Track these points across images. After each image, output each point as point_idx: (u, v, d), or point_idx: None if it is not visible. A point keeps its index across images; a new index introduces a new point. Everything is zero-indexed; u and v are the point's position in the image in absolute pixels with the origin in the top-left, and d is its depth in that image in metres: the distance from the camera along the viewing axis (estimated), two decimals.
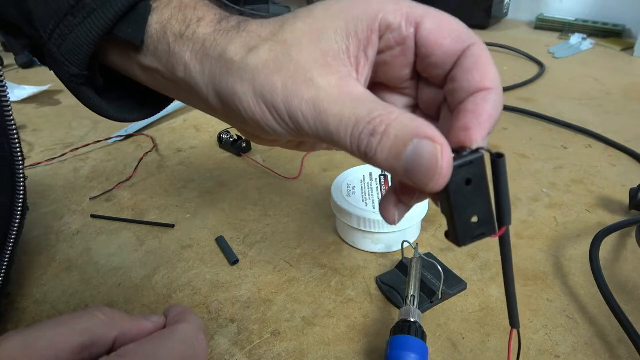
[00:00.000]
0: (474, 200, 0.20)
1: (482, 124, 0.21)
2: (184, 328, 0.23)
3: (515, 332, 0.25)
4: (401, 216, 0.25)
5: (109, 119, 0.31)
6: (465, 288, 0.39)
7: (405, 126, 0.19)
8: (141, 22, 0.25)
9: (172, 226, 0.47)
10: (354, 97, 0.21)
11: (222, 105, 0.24)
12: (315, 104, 0.21)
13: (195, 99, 0.26)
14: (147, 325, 0.24)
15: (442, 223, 0.47)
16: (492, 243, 0.44)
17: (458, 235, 0.21)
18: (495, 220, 0.21)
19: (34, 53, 0.31)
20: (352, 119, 0.20)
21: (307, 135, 0.22)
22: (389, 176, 0.46)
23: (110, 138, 0.64)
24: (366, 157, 0.20)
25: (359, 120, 0.20)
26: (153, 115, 0.33)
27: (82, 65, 0.27)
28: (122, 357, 0.20)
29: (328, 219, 0.48)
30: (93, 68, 0.28)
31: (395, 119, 0.20)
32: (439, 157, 0.18)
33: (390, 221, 0.25)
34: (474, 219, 0.21)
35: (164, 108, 0.33)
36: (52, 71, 0.29)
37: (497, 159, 0.20)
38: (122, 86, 0.31)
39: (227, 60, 0.23)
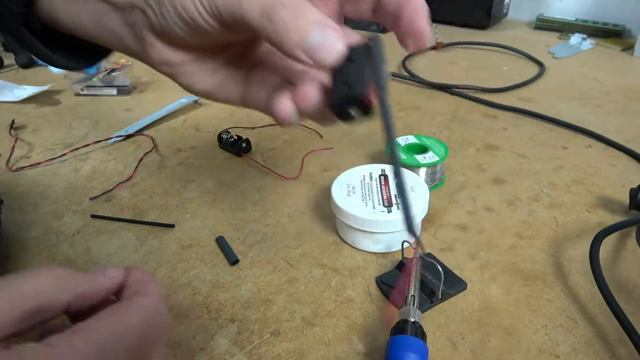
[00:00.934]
0: (357, 75, 0.23)
1: (421, 15, 0.26)
2: (144, 301, 0.22)
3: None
4: (295, 116, 0.26)
5: (51, 64, 0.32)
6: (465, 288, 0.39)
7: (311, 8, 0.22)
8: None
9: (172, 226, 0.47)
10: None
11: None
12: None
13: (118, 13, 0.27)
14: (103, 283, 0.22)
15: (442, 223, 0.47)
16: (492, 243, 0.44)
17: (334, 97, 0.24)
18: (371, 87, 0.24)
19: None
20: None
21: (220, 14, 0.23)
22: (386, 173, 0.46)
23: (110, 138, 0.64)
24: (270, 25, 0.22)
25: None
26: (96, 62, 0.34)
27: (19, 2, 0.28)
28: (76, 334, 0.19)
29: (328, 219, 0.48)
30: (30, 8, 0.29)
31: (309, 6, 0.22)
32: (338, 40, 0.22)
33: (283, 117, 0.26)
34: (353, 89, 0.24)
35: (101, 59, 0.34)
36: None
37: (370, 41, 0.24)
38: (57, 36, 0.31)
39: None
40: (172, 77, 0.29)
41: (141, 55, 0.29)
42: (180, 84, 0.29)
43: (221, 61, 0.29)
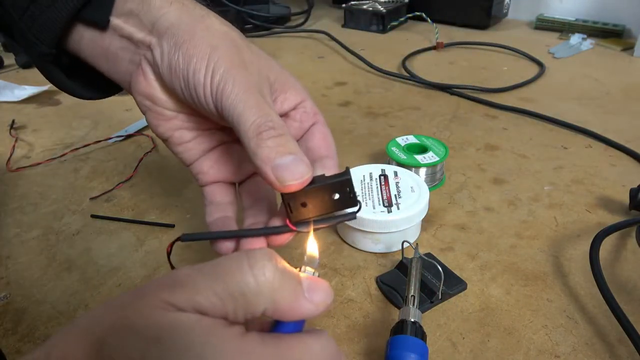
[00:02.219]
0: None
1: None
2: (332, 339, 0.21)
3: None
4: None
5: (72, 95, 0.34)
6: (465, 288, 0.39)
7: (294, 144, 0.25)
8: (107, 6, 0.28)
9: (172, 226, 0.47)
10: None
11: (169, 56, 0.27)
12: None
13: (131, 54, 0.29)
14: (303, 307, 0.21)
15: (442, 223, 0.47)
16: (492, 243, 0.44)
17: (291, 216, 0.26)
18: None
19: (1, 29, 0.32)
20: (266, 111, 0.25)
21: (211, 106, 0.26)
22: (386, 173, 0.46)
23: (110, 138, 0.64)
24: (257, 139, 0.24)
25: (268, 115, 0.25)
26: (111, 95, 0.35)
27: (51, 45, 0.29)
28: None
29: None
30: (60, 48, 0.30)
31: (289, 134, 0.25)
32: (307, 173, 0.24)
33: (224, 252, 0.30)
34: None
35: (116, 91, 0.35)
36: (19, 45, 0.31)
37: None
38: (81, 67, 0.32)
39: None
40: (144, 110, 0.30)
41: (127, 79, 0.30)
42: (149, 121, 0.30)
43: (198, 122, 0.31)
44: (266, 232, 0.28)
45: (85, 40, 0.29)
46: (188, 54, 0.26)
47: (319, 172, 0.27)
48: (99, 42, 0.29)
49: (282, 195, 0.25)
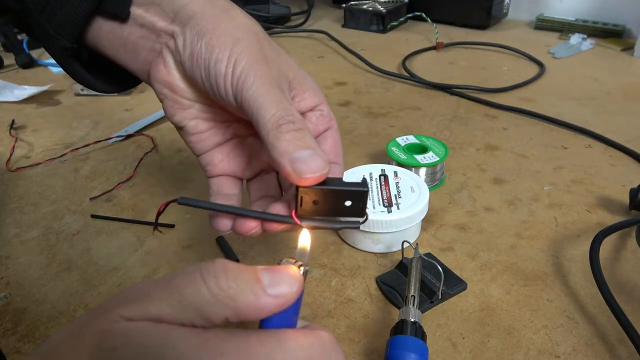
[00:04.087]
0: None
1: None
2: (326, 336, 0.20)
3: None
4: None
5: (92, 89, 0.34)
6: (465, 288, 0.39)
7: (313, 140, 0.25)
8: None
9: (172, 226, 0.47)
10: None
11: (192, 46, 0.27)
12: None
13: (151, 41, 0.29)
14: (267, 304, 0.19)
15: (442, 223, 0.47)
16: (492, 243, 0.44)
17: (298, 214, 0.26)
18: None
19: (19, 26, 0.33)
20: (286, 105, 0.26)
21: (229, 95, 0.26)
22: (386, 173, 0.46)
23: (110, 138, 0.64)
24: (276, 132, 0.24)
25: (288, 110, 0.25)
26: (129, 89, 0.36)
27: (72, 39, 0.29)
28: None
29: None
30: (80, 42, 0.30)
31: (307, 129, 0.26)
32: (325, 169, 0.24)
33: (221, 230, 0.30)
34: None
35: (136, 84, 0.35)
36: (38, 42, 0.32)
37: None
38: (100, 61, 0.33)
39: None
40: (162, 98, 0.30)
41: (145, 68, 0.29)
42: (165, 109, 0.30)
43: (214, 113, 0.31)
44: (268, 217, 0.27)
45: (104, 31, 0.29)
46: (211, 43, 0.26)
47: None
48: (118, 32, 0.29)
49: (297, 188, 0.25)
